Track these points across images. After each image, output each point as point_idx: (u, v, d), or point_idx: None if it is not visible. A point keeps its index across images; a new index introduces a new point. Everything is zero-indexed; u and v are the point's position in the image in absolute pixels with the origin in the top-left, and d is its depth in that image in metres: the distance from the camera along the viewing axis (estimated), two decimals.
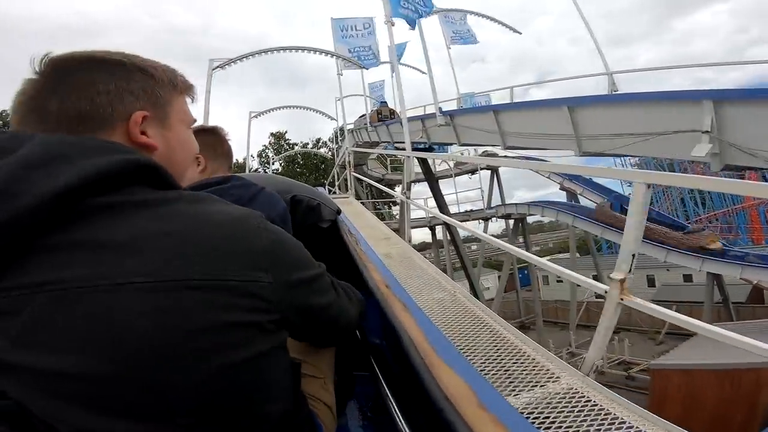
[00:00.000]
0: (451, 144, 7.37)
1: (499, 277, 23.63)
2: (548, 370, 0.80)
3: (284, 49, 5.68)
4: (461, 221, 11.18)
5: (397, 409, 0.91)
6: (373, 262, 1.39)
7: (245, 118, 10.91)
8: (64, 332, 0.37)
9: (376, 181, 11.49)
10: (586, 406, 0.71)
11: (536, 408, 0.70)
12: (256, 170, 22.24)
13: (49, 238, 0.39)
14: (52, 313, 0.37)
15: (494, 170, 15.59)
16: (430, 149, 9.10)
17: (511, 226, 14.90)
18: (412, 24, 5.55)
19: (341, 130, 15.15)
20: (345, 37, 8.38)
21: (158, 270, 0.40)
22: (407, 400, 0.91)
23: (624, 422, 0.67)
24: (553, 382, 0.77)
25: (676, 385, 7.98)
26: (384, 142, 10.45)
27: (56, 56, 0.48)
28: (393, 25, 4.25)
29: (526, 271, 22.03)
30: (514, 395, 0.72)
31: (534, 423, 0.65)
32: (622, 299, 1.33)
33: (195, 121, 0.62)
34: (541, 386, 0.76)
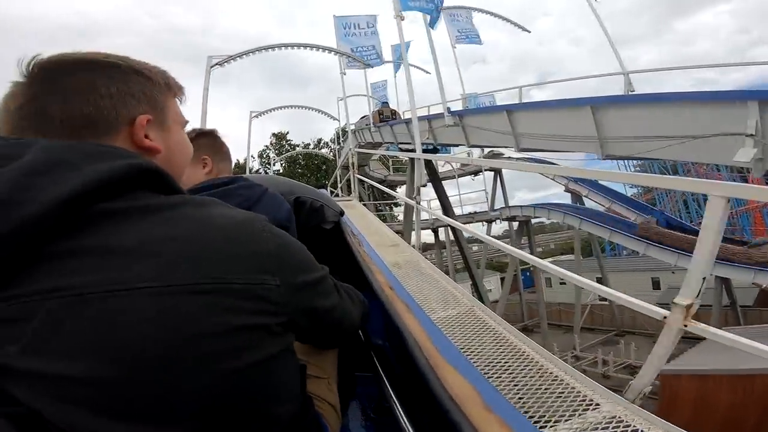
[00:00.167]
0: (458, 145, 7.16)
1: (501, 279, 23.52)
2: (585, 396, 0.74)
3: (286, 45, 5.50)
4: (465, 223, 11.01)
5: (400, 410, 0.91)
6: (376, 264, 1.37)
7: (246, 119, 10.76)
8: (74, 338, 0.37)
9: (378, 182, 11.32)
10: None
11: None
12: (257, 171, 22.07)
13: (57, 245, 0.39)
14: (62, 319, 0.36)
15: (497, 171, 15.43)
16: (435, 150, 8.92)
17: (515, 228, 14.73)
18: (433, 21, 5.35)
19: (343, 130, 15.03)
20: (348, 35, 8.20)
21: (165, 275, 0.40)
22: (411, 400, 0.90)
23: None
24: (592, 410, 0.72)
25: (687, 389, 7.90)
26: (387, 142, 10.25)
27: (49, 58, 0.47)
28: (403, 19, 4.05)
29: (528, 273, 21.85)
30: (550, 426, 0.67)
31: None
32: (685, 326, 1.21)
33: (188, 122, 0.61)
34: (580, 415, 0.70)
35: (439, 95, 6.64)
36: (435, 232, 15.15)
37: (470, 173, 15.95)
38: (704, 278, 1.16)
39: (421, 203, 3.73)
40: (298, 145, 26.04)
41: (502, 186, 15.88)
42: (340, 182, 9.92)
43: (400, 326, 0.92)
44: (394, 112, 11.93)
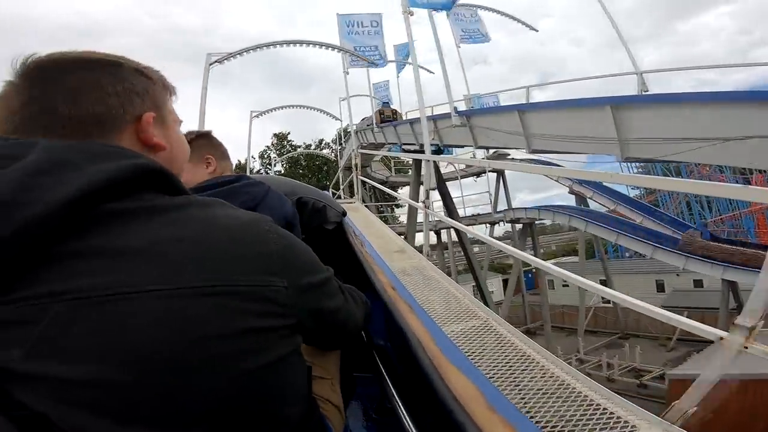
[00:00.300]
0: (463, 146, 7.00)
1: (503, 280, 23.39)
2: (620, 417, 0.67)
3: (287, 42, 5.36)
4: (468, 225, 10.86)
5: (403, 410, 0.90)
6: (378, 265, 1.36)
7: (246, 120, 10.63)
8: (82, 341, 0.36)
9: (379, 184, 11.18)
10: None
11: None
12: (258, 171, 21.92)
13: (65, 246, 0.39)
14: (70, 322, 0.36)
15: (500, 173, 15.31)
16: (439, 151, 8.78)
17: (517, 229, 14.61)
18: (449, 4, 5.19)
19: (345, 131, 14.91)
20: (351, 33, 8.06)
21: (174, 277, 0.40)
22: (414, 400, 0.90)
23: None
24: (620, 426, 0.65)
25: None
26: (390, 143, 10.10)
27: (48, 57, 0.47)
28: (411, 15, 3.90)
29: (530, 275, 21.70)
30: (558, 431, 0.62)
31: None
32: (746, 347, 1.11)
33: (182, 121, 0.61)
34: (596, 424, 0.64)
35: (442, 95, 6.50)
36: (437, 233, 15.05)
37: (473, 174, 15.82)
38: None
39: (430, 207, 3.56)
40: (299, 146, 25.89)
41: (504, 187, 15.77)
42: (343, 183, 9.76)
43: (403, 327, 0.91)
44: (395, 113, 11.84)
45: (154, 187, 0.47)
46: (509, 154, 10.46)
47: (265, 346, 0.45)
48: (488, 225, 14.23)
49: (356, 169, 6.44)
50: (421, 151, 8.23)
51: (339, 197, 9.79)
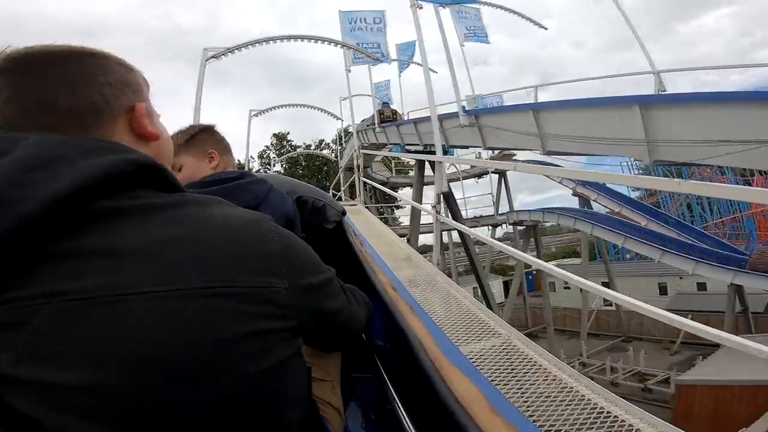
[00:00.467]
0: (468, 147, 6.77)
1: (504, 282, 23.23)
2: (624, 421, 0.64)
3: (287, 38, 5.14)
4: (470, 227, 10.67)
5: (403, 412, 0.90)
6: (378, 265, 1.36)
7: (246, 121, 10.38)
8: (76, 344, 0.35)
9: (380, 184, 10.98)
10: None
11: None
12: (257, 171, 21.66)
13: (58, 245, 0.37)
14: (63, 325, 0.35)
15: (502, 174, 15.15)
16: (444, 152, 8.58)
17: (518, 230, 14.45)
18: None
19: (346, 131, 14.72)
20: (353, 30, 7.85)
21: (172, 278, 0.39)
22: (414, 402, 0.89)
23: None
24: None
25: (704, 400, 7.74)
26: (393, 143, 9.89)
27: (30, 50, 0.46)
28: (420, 8, 3.69)
29: (531, 276, 21.54)
30: None
31: None
32: None
33: (160, 114, 0.60)
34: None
35: (446, 95, 6.26)
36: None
37: (474, 175, 15.66)
38: None
39: (441, 212, 3.33)
40: (299, 146, 25.62)
41: (506, 189, 15.63)
42: (344, 185, 9.54)
43: (404, 328, 0.91)
44: (394, 113, 11.70)
45: (148, 184, 0.46)
46: (515, 155, 10.29)
47: (265, 349, 0.43)
48: (490, 227, 14.06)
49: (358, 170, 6.21)
50: (428, 152, 8.02)
51: (340, 198, 9.58)
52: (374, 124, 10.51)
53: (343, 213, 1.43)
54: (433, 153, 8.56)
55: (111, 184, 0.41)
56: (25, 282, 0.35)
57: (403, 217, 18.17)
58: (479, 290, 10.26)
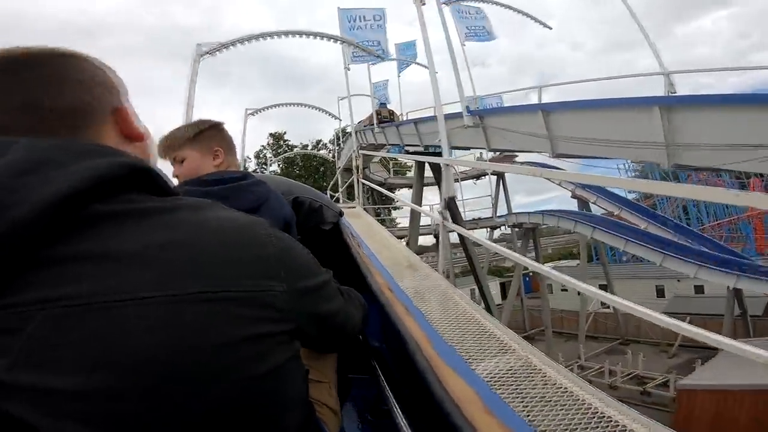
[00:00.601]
0: (475, 148, 6.60)
1: (501, 284, 23.16)
2: (624, 426, 0.64)
3: (284, 33, 4.94)
4: (469, 229, 10.50)
5: (399, 412, 0.89)
6: (375, 266, 1.36)
7: (243, 120, 10.14)
8: (71, 350, 0.34)
9: (378, 185, 10.81)
10: None
11: None
12: (254, 171, 21.37)
13: (54, 250, 0.37)
14: (58, 330, 0.34)
15: (500, 176, 15.04)
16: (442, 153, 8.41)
17: (516, 232, 14.34)
18: None
19: (344, 131, 14.53)
20: (353, 28, 7.67)
21: (169, 282, 0.39)
22: (410, 402, 0.90)
23: None
24: None
25: (705, 405, 7.71)
26: (392, 144, 9.70)
27: (9, 51, 0.45)
28: (424, 3, 3.52)
29: (527, 278, 21.49)
30: None
31: None
32: None
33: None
34: None
35: (447, 95, 6.08)
36: (436, 237, 14.81)
37: (473, 177, 15.54)
38: None
39: (448, 219, 3.14)
40: (296, 146, 25.35)
41: (504, 190, 15.53)
42: (342, 186, 9.34)
43: (400, 328, 0.91)
44: (391, 113, 11.56)
45: (141, 187, 0.45)
46: (516, 157, 10.17)
47: (264, 353, 0.43)
48: (489, 229, 13.95)
49: (357, 172, 6.02)
50: (429, 153, 7.85)
51: (338, 200, 9.39)
52: (371, 125, 10.35)
53: (341, 214, 1.44)
54: (434, 154, 8.40)
55: (104, 188, 0.41)
56: (19, 288, 0.35)
57: (400, 219, 18.05)
58: (477, 292, 10.16)
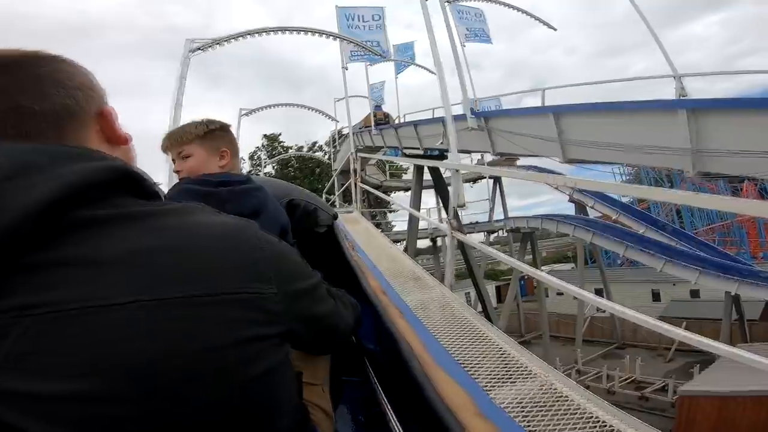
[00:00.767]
0: (478, 152, 6.38)
1: (496, 287, 23.07)
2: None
3: (280, 30, 4.72)
4: (467, 233, 10.32)
5: (393, 415, 0.90)
6: (369, 269, 1.36)
7: (238, 122, 9.84)
8: (57, 355, 0.34)
9: (374, 188, 10.60)
10: None
11: None
12: (249, 172, 20.93)
13: (36, 256, 0.37)
14: (43, 336, 0.34)
15: (497, 179, 14.93)
16: (443, 157, 8.21)
17: (512, 235, 14.24)
18: None
19: (340, 133, 14.28)
20: (351, 27, 7.48)
21: (157, 288, 0.39)
22: (404, 405, 0.90)
23: None
24: None
25: (707, 411, 7.65)
26: (390, 147, 9.48)
27: (3, 53, 0.44)
28: None
29: (523, 282, 21.40)
30: None
31: None
32: None
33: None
34: None
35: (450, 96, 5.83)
36: (433, 240, 14.71)
37: (469, 180, 15.41)
38: None
39: (457, 230, 2.92)
40: (290, 148, 25.00)
41: (501, 194, 15.42)
42: (338, 189, 9.08)
43: (393, 331, 0.92)
44: (386, 116, 11.39)
45: (126, 191, 0.45)
46: (517, 160, 10.03)
47: (255, 356, 0.43)
48: (486, 233, 13.82)
49: (355, 175, 5.79)
50: (430, 156, 7.63)
51: (334, 204, 9.13)
52: (366, 127, 10.13)
53: (335, 217, 1.43)
54: (433, 157, 8.21)
55: (88, 193, 0.40)
56: (2, 294, 0.35)
57: (395, 221, 17.86)
58: (474, 295, 10.03)
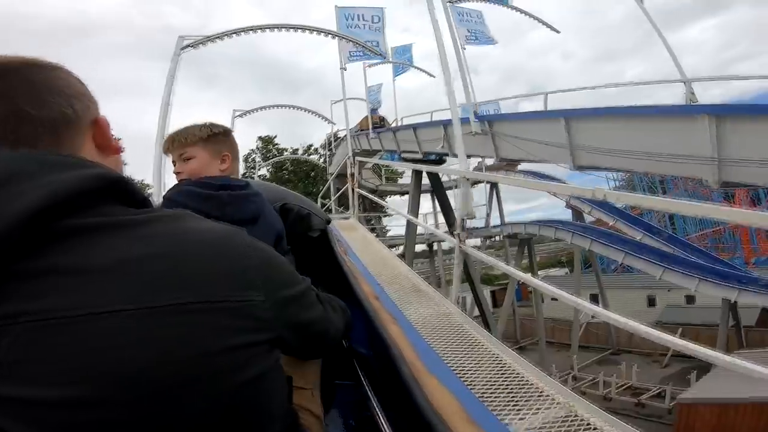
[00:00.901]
0: (480, 157, 6.20)
1: (491, 292, 22.99)
2: None
3: (275, 27, 4.54)
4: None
5: (383, 420, 0.90)
6: (362, 274, 1.37)
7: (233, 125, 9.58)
8: (50, 362, 0.35)
9: (370, 193, 10.42)
10: None
11: None
12: (243, 175, 20.45)
13: (24, 264, 0.37)
14: (32, 344, 0.35)
15: (494, 184, 14.86)
16: (442, 161, 8.04)
17: (508, 242, 14.16)
18: None
19: (335, 136, 14.09)
20: (350, 27, 7.31)
21: (146, 295, 0.39)
22: (394, 410, 0.91)
23: None
24: None
25: (706, 418, 7.60)
26: (387, 151, 9.29)
27: (3, 60, 0.45)
28: None
29: (517, 286, 21.34)
30: None
31: None
32: None
33: None
34: None
35: (442, 101, 5.66)
36: (430, 246, 14.59)
37: None
38: None
39: (465, 242, 2.73)
40: (286, 150, 24.70)
41: (498, 199, 15.37)
42: (334, 194, 8.84)
43: (384, 336, 0.92)
44: (382, 120, 11.24)
45: (115, 199, 0.45)
46: (519, 165, 9.93)
47: (245, 362, 0.43)
48: (483, 238, 13.72)
49: (352, 180, 5.57)
50: (429, 161, 7.46)
51: (329, 209, 8.89)
52: (362, 130, 9.94)
53: (328, 222, 1.45)
54: (433, 162, 8.04)
55: (77, 201, 0.40)
56: None
57: (391, 226, 17.69)
58: (470, 300, 9.90)
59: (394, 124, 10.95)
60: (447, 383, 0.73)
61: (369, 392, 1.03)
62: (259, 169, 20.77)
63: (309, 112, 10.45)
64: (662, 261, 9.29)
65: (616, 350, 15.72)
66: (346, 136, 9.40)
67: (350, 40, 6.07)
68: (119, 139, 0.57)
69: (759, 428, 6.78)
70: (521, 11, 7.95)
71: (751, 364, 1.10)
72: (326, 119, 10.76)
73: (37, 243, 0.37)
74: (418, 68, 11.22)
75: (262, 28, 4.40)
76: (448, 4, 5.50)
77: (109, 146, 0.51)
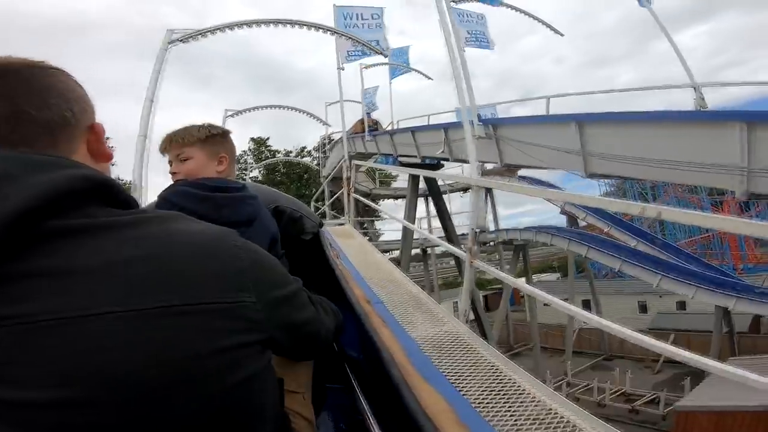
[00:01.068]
0: (489, 162, 6.00)
1: (483, 296, 22.95)
2: None
3: (270, 22, 4.30)
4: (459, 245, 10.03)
5: (374, 424, 0.90)
6: (353, 277, 1.37)
7: (229, 125, 9.25)
8: (36, 365, 0.35)
9: (363, 196, 10.20)
10: None
11: None
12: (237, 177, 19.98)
13: (9, 267, 0.36)
14: (15, 348, 0.34)
15: (489, 189, 14.78)
16: (440, 166, 7.86)
17: (502, 247, 14.09)
18: None
19: (329, 138, 13.83)
20: (349, 26, 7.11)
21: (134, 297, 0.39)
22: (385, 413, 0.90)
23: None
24: None
25: (704, 426, 7.56)
26: (383, 154, 9.07)
27: (4, 61, 0.45)
28: None
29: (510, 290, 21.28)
30: None
31: None
32: None
33: None
34: None
35: (441, 104, 5.44)
36: (424, 251, 14.45)
37: (460, 189, 15.21)
38: None
39: (476, 253, 2.53)
40: (278, 152, 24.30)
41: (492, 205, 15.30)
42: (328, 198, 8.57)
43: (375, 340, 0.92)
44: (376, 123, 11.07)
45: (100, 200, 0.44)
46: (519, 169, 9.82)
47: (236, 364, 0.43)
48: (478, 244, 13.58)
49: (347, 185, 5.32)
50: (427, 165, 7.26)
51: (324, 214, 8.62)
52: (356, 133, 9.71)
53: (320, 225, 1.46)
54: (431, 166, 7.84)
55: (62, 202, 0.40)
56: None
57: (384, 230, 17.49)
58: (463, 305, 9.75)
59: (388, 128, 10.77)
60: (438, 387, 0.73)
61: (360, 396, 1.03)
62: (251, 171, 20.38)
63: (303, 113, 10.21)
64: (658, 268, 9.25)
65: (609, 356, 15.73)
66: (341, 138, 9.16)
67: (349, 37, 5.85)
68: (112, 147, 0.55)
69: None
70: (525, 13, 7.84)
71: (744, 371, 1.08)
72: (321, 120, 10.54)
73: (22, 245, 0.36)
74: (417, 71, 11.07)
75: (257, 22, 4.17)
76: (452, 3, 5.31)
77: (103, 153, 0.51)
